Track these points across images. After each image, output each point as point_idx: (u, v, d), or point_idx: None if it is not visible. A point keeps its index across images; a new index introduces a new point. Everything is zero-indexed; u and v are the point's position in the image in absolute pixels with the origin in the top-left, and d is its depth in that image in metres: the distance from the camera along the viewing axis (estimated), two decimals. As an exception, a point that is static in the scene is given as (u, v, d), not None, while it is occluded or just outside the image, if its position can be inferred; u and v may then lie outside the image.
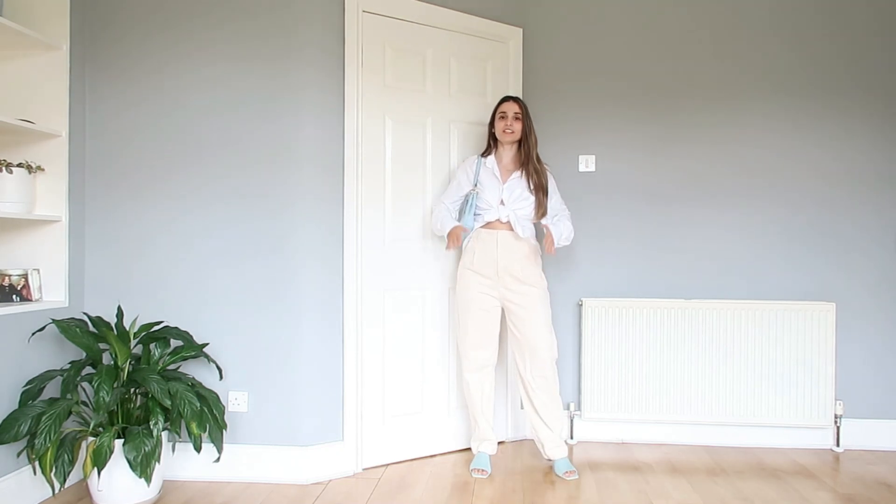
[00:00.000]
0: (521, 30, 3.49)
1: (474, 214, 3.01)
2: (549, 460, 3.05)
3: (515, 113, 2.99)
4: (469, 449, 3.25)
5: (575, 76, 3.55)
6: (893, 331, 3.42)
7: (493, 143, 3.08)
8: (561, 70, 3.56)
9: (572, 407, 3.50)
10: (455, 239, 2.95)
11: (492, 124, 3.07)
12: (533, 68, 3.54)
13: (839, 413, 3.36)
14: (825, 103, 3.44)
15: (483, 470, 2.97)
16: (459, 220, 3.02)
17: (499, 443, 3.35)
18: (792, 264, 3.46)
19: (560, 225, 3.02)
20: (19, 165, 2.63)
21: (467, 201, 3.01)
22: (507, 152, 3.06)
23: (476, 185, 3.01)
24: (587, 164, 3.53)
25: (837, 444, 3.38)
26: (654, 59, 3.52)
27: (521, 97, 3.37)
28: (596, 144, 3.54)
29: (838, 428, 3.37)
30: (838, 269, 3.44)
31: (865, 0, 3.41)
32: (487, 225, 2.99)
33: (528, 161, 3.00)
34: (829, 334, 3.34)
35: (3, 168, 2.59)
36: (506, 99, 3.05)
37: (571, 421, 3.49)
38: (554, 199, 3.06)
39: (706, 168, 3.50)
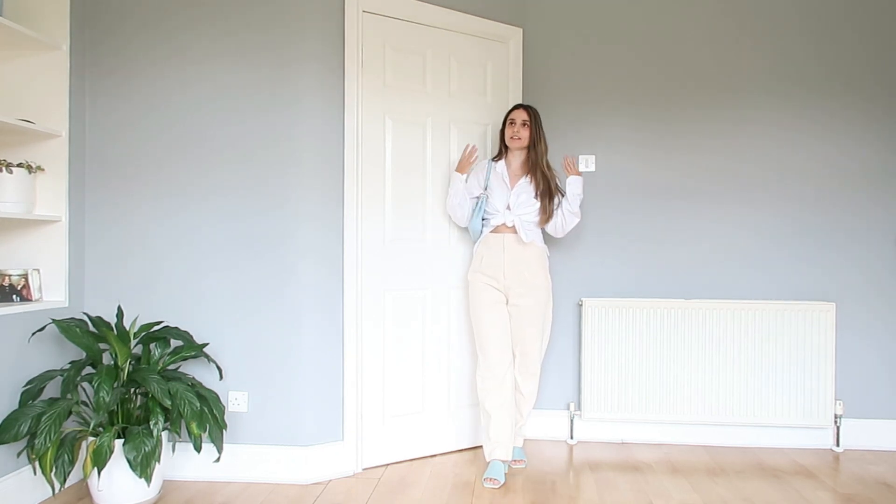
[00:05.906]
0: (521, 30, 3.49)
1: (482, 219, 3.05)
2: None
3: (523, 120, 3.02)
4: (470, 449, 3.25)
5: (575, 76, 3.55)
6: (893, 331, 3.42)
7: (503, 148, 3.10)
8: (561, 70, 3.56)
9: (572, 407, 3.50)
10: (464, 161, 3.05)
11: (503, 130, 3.09)
12: (533, 68, 3.54)
13: (839, 413, 3.36)
14: (825, 102, 3.44)
15: (495, 479, 2.84)
16: (471, 222, 3.07)
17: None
18: (792, 264, 3.46)
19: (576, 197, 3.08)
20: (19, 165, 2.63)
21: (478, 204, 3.05)
22: (517, 158, 3.08)
23: (486, 189, 3.05)
24: (587, 163, 3.53)
25: (837, 444, 3.38)
26: (654, 57, 3.52)
27: (521, 100, 3.44)
28: (596, 144, 3.54)
29: (838, 428, 3.37)
30: (838, 269, 3.44)
31: None
32: (495, 229, 3.02)
33: (536, 167, 3.02)
34: (828, 334, 3.33)
35: (3, 168, 2.59)
36: (516, 107, 3.08)
37: (571, 421, 3.49)
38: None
39: (705, 169, 3.50)
